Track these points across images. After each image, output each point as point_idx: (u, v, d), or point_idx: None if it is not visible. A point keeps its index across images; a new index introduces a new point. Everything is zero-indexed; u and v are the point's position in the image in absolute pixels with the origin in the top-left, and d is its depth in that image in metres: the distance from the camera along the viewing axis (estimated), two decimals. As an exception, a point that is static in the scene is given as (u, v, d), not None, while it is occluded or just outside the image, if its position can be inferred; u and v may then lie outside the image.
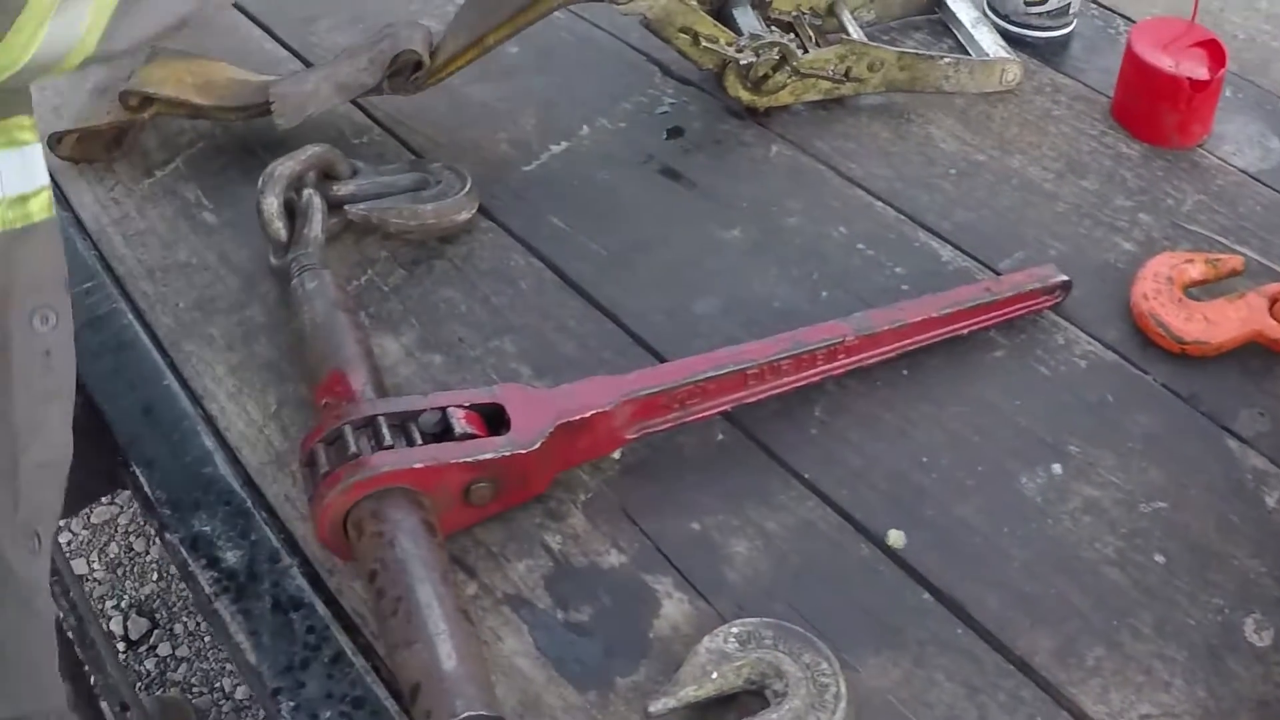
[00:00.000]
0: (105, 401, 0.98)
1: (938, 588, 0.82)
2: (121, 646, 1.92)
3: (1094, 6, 1.26)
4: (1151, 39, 1.07)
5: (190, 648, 1.92)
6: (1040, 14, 1.19)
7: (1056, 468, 0.88)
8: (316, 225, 1.03)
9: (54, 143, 1.17)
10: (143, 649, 1.92)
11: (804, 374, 0.90)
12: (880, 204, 1.06)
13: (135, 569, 2.03)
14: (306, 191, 1.05)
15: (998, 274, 1.00)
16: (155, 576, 2.01)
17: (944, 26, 1.23)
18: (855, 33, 1.14)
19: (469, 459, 0.82)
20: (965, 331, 0.94)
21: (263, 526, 0.89)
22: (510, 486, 0.84)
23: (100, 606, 1.97)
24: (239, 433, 0.95)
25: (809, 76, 1.11)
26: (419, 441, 0.83)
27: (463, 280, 1.03)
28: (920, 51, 1.12)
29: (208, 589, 0.86)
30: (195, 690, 1.87)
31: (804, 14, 1.15)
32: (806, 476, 0.88)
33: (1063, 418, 0.91)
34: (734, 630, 0.76)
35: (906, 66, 1.12)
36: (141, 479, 0.93)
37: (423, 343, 0.99)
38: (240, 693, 1.85)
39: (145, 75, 1.16)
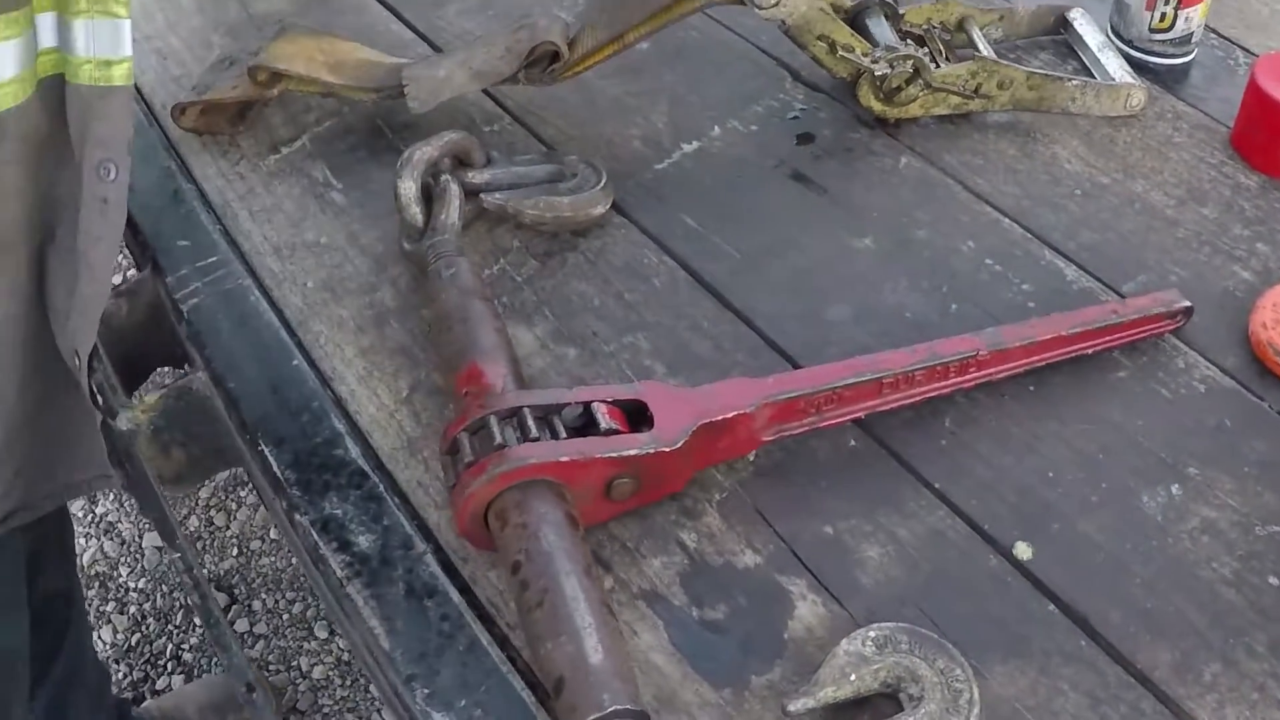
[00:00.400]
0: (231, 377, 1.00)
1: (1063, 600, 0.85)
2: (199, 621, 1.95)
3: (1214, 36, 1.29)
4: (1275, 73, 1.09)
5: (268, 625, 1.95)
6: (1164, 41, 1.21)
7: (1176, 488, 0.91)
8: (454, 212, 1.06)
9: (177, 114, 1.20)
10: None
11: (935, 385, 0.94)
12: (1007, 221, 1.10)
13: (215, 543, 2.06)
14: (444, 178, 1.07)
15: (1121, 295, 1.03)
16: (235, 552, 2.05)
17: (1069, 48, 1.26)
18: (985, 50, 1.17)
19: (614, 454, 0.85)
20: (1090, 351, 0.98)
21: (395, 512, 0.91)
22: (650, 483, 0.88)
23: (179, 580, 1.98)
24: (370, 416, 0.98)
25: (940, 91, 1.14)
26: (562, 435, 0.86)
27: (596, 275, 1.07)
28: (1048, 72, 1.15)
29: (339, 572, 0.88)
30: (272, 668, 1.90)
31: (935, 28, 1.18)
32: (936, 486, 0.92)
33: (1182, 440, 0.94)
34: (871, 634, 0.80)
35: (1035, 86, 1.15)
36: (270, 458, 0.95)
37: (556, 335, 1.02)
38: (318, 673, 1.89)
39: (274, 51, 1.18)
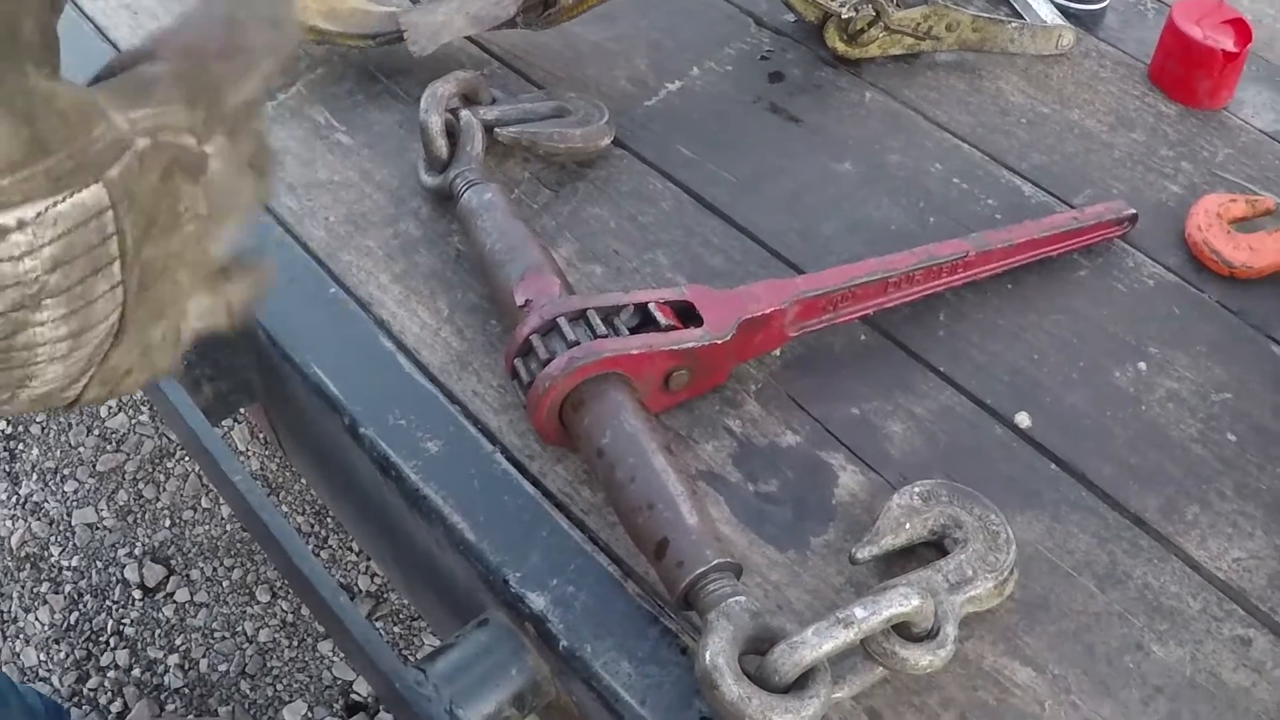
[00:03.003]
0: (267, 310, 1.05)
1: (1062, 459, 0.99)
2: (138, 595, 1.96)
3: (1123, -16, 1.45)
4: (1189, 14, 1.25)
5: (209, 593, 1.96)
6: (1084, -12, 1.37)
7: (1142, 365, 1.06)
8: (478, 142, 1.13)
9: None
10: (159, 596, 1.96)
11: (932, 284, 1.06)
12: (967, 146, 1.23)
13: (147, 516, 2.06)
14: (464, 112, 1.14)
15: (1073, 207, 1.17)
16: (168, 523, 2.05)
17: (1000, -5, 1.41)
18: (933, -4, 1.30)
19: (675, 347, 0.95)
20: (1056, 253, 1.12)
21: (459, 418, 0.99)
22: (701, 375, 0.98)
23: (113, 555, 2.01)
24: (415, 335, 1.05)
25: (896, 33, 1.27)
26: (624, 333, 0.95)
27: (607, 200, 1.16)
28: (991, 15, 1.29)
29: (413, 477, 0.95)
30: (217, 635, 1.91)
31: (887, -25, 1.31)
32: (941, 370, 1.04)
33: (1141, 326, 1.08)
34: (916, 490, 0.92)
35: (979, 29, 1.28)
36: (324, 379, 1.01)
37: (582, 254, 1.11)
38: (264, 636, 1.90)
39: (268, 1, 1.24)
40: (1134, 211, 1.14)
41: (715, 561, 0.84)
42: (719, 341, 0.96)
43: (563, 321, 0.94)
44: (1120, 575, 0.92)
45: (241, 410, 1.34)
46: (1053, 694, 0.86)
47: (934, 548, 0.91)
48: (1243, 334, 1.09)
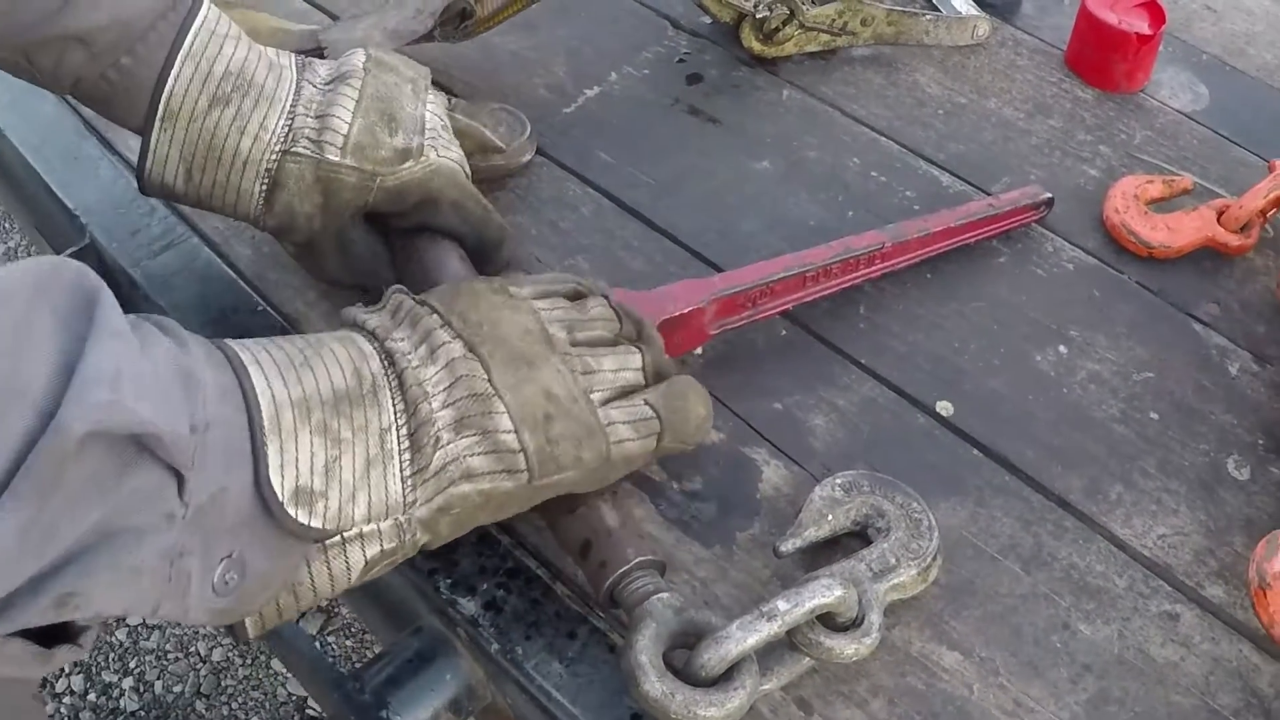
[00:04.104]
0: (197, 332, 1.02)
1: (984, 445, 0.99)
2: None
3: (1037, -27, 1.46)
4: (1104, 2, 1.26)
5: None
6: (998, -22, 1.38)
7: (1062, 348, 1.06)
8: None
9: (92, 92, 1.24)
10: (113, 621, 1.95)
11: (849, 277, 1.06)
12: (884, 139, 1.23)
13: None
14: None
15: (991, 195, 1.18)
16: None
17: (915, -13, 1.42)
18: (846, -9, 1.30)
19: None
20: (973, 241, 1.12)
21: None
22: (622, 377, 0.98)
23: None
24: (340, 346, 1.05)
25: (812, 30, 1.27)
26: None
27: (528, 208, 1.16)
28: (905, 9, 1.29)
29: None
30: (170, 656, 1.90)
31: (799, -27, 1.32)
32: (862, 361, 1.04)
33: (1061, 309, 1.09)
34: (838, 481, 0.91)
35: (893, 22, 1.29)
36: None
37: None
38: (217, 655, 1.90)
39: (188, 25, 1.23)
40: (1050, 196, 1.15)
41: (637, 560, 0.83)
42: None
43: None
44: (1046, 557, 0.92)
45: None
46: (981, 676, 0.86)
47: (858, 538, 0.91)
48: (1163, 313, 1.09)
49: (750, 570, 0.91)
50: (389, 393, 0.77)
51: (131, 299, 1.11)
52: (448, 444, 0.77)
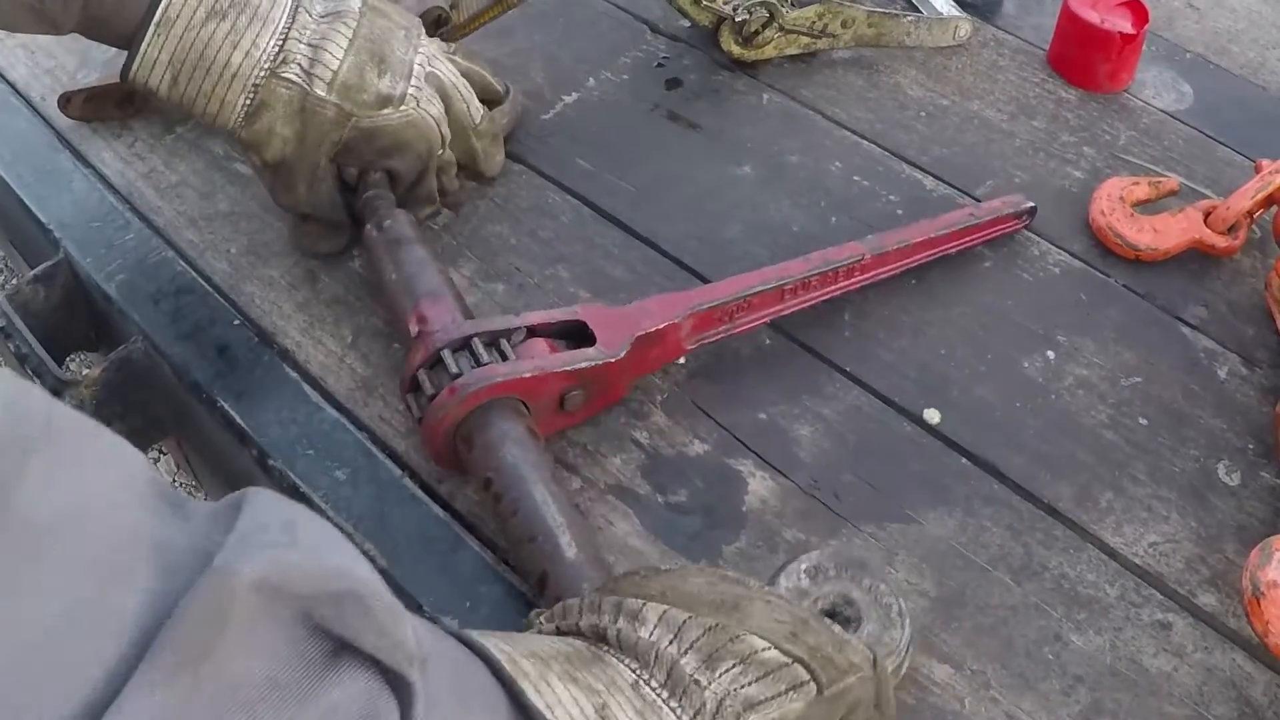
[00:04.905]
0: (175, 344, 1.03)
1: (972, 453, 0.97)
2: None
3: (1019, -28, 1.45)
4: (1086, 0, 1.25)
5: None
6: (979, -22, 1.37)
7: (1050, 354, 1.05)
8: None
9: (63, 104, 1.21)
10: None
11: (829, 288, 1.04)
12: (866, 143, 1.22)
13: None
14: None
15: (976, 199, 1.16)
16: None
17: (896, -12, 1.40)
18: (826, -7, 1.29)
19: (568, 368, 0.93)
20: (955, 250, 1.11)
21: (367, 444, 0.97)
22: (597, 393, 0.95)
23: None
24: (320, 364, 1.02)
25: (791, 33, 1.25)
26: (511, 356, 0.92)
27: (507, 217, 1.14)
28: (885, 10, 1.28)
29: (323, 505, 0.93)
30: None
31: (779, -25, 1.30)
32: (848, 370, 1.03)
33: (1048, 314, 1.07)
34: (803, 567, 0.85)
35: (874, 24, 1.27)
36: (233, 412, 0.99)
37: (483, 273, 1.09)
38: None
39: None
40: (1032, 205, 1.13)
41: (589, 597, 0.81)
42: (613, 360, 0.94)
43: (446, 354, 0.92)
44: (1036, 567, 0.91)
45: (159, 445, 1.31)
46: (972, 690, 0.84)
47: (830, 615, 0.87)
48: (1150, 316, 1.08)
49: (737, 585, 0.89)
50: (614, 655, 0.67)
51: (106, 314, 1.10)
52: (710, 684, 0.66)
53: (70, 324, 1.15)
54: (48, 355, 1.06)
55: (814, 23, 1.26)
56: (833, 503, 0.94)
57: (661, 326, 0.97)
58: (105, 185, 1.17)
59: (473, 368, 0.91)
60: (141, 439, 1.12)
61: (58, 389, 1.04)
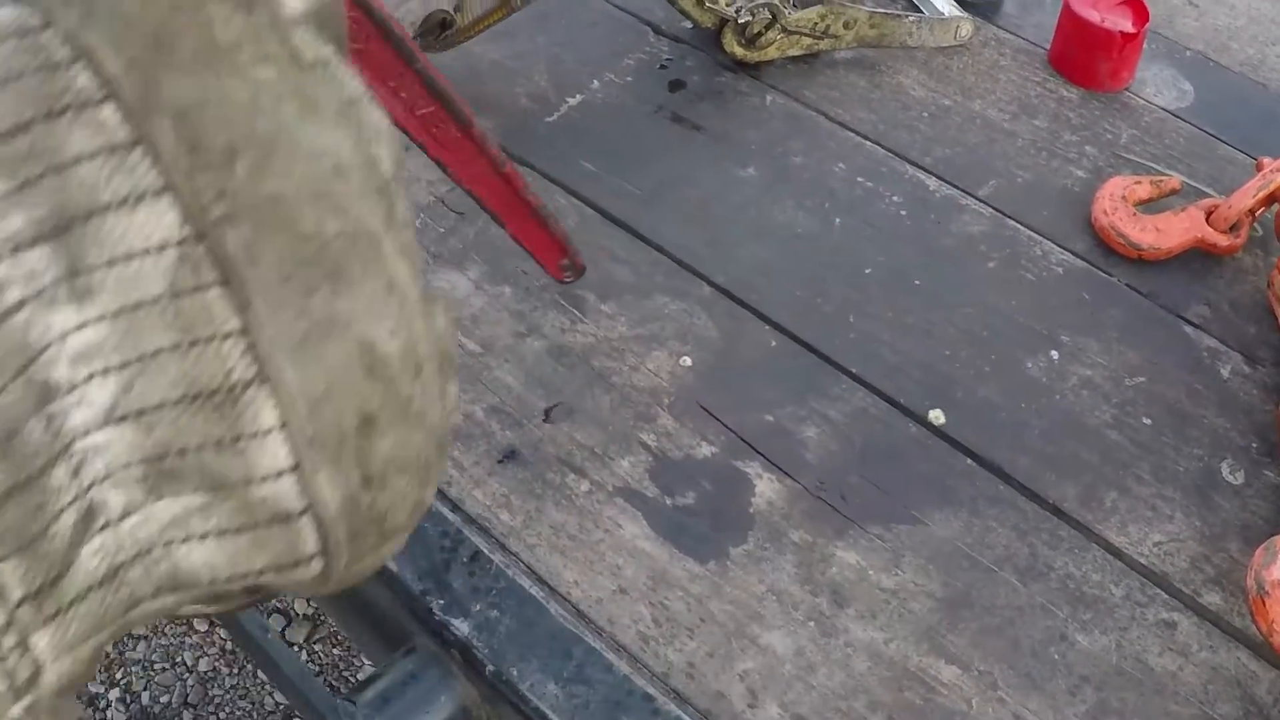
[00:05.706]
0: None
1: (977, 454, 0.98)
2: None
3: (1019, -29, 1.45)
4: (1086, 0, 1.25)
5: (145, 624, 1.93)
6: (980, -22, 1.37)
7: (1054, 354, 1.05)
8: None
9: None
10: None
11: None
12: (869, 144, 1.22)
13: None
14: None
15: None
16: None
17: (897, -12, 1.41)
18: (828, -6, 1.29)
19: None
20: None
21: None
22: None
23: None
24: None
25: (794, 34, 1.26)
26: None
27: (512, 220, 1.15)
28: (887, 11, 1.29)
29: None
30: (157, 666, 1.89)
31: (781, -23, 1.30)
32: (853, 371, 1.03)
33: (1051, 314, 1.08)
34: None
35: (876, 24, 1.28)
36: None
37: (490, 277, 1.10)
38: (204, 665, 1.89)
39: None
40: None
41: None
42: None
43: None
44: (1041, 567, 0.92)
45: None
46: (979, 690, 0.85)
47: None
48: (1154, 316, 1.09)
49: (745, 586, 0.90)
50: None
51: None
52: None
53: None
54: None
55: (816, 24, 1.26)
56: (839, 504, 0.94)
57: None
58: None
59: None
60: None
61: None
